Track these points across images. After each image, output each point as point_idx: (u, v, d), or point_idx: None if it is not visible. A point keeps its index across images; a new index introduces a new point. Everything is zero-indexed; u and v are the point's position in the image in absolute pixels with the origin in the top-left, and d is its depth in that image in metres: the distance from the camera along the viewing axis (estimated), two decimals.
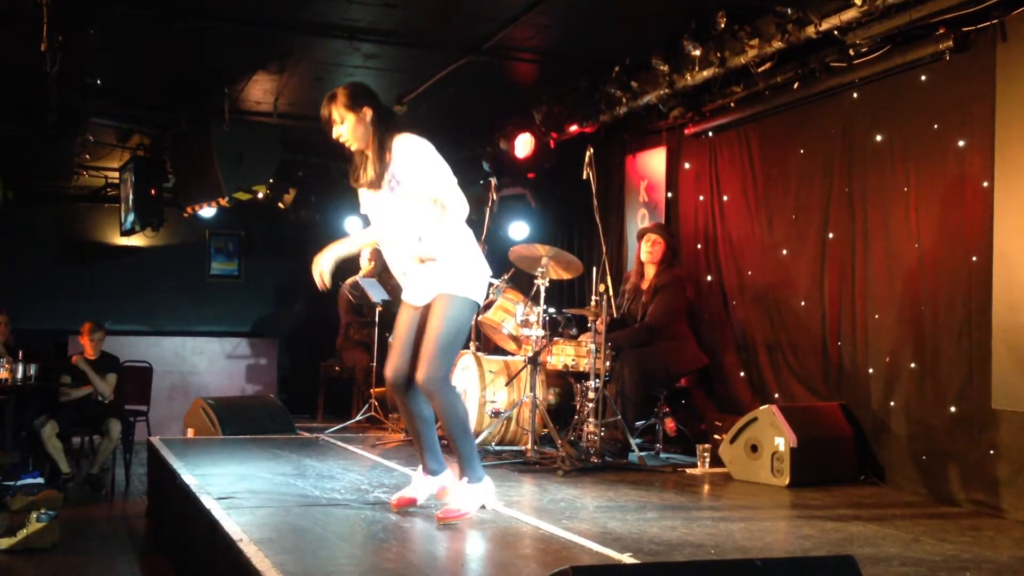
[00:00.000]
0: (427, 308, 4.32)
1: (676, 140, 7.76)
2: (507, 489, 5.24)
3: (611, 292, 6.89)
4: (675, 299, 6.77)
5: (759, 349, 6.86)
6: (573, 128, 7.94)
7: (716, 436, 6.73)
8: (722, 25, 6.09)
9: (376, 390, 8.17)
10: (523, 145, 8.12)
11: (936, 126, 5.54)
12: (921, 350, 5.59)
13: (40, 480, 6.60)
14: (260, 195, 9.39)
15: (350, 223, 9.76)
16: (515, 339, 6.63)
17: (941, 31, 5.32)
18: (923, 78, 5.62)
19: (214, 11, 6.49)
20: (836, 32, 5.62)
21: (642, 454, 6.39)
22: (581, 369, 6.47)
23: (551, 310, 6.50)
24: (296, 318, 12.17)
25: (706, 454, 6.25)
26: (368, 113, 4.25)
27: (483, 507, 4.46)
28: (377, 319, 8.36)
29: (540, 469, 5.91)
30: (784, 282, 6.67)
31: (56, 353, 9.55)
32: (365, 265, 9.15)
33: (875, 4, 5.20)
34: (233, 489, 4.90)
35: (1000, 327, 5.07)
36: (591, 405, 6.17)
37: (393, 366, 4.38)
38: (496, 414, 6.54)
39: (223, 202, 8.66)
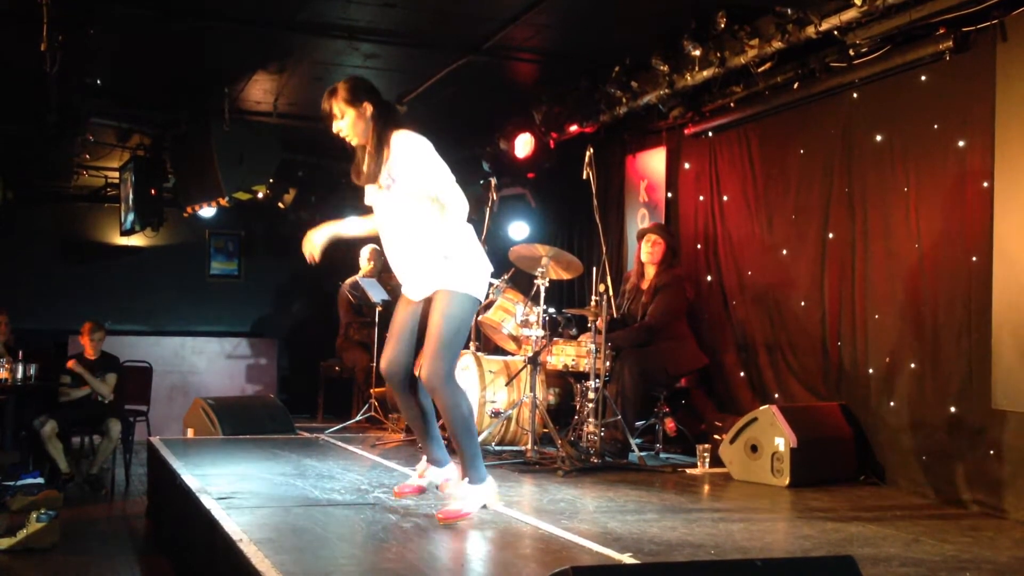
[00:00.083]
0: (427, 303, 4.31)
1: (676, 140, 7.76)
2: (507, 489, 5.23)
3: (611, 292, 6.89)
4: (675, 299, 6.77)
5: (759, 349, 6.86)
6: (573, 128, 7.94)
7: (716, 436, 6.73)
8: (722, 25, 6.09)
9: (376, 390, 8.17)
10: (523, 145, 8.13)
11: (936, 126, 5.54)
12: (921, 350, 5.59)
13: (40, 480, 6.60)
14: (260, 195, 9.39)
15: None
16: (515, 339, 6.63)
17: (941, 31, 5.32)
18: (923, 78, 5.61)
19: (214, 11, 6.50)
20: (836, 32, 5.62)
21: (642, 454, 6.39)
22: (581, 369, 6.47)
23: (551, 310, 6.50)
24: (296, 318, 12.17)
25: (706, 454, 6.25)
26: (368, 108, 4.24)
27: (484, 507, 4.45)
28: (377, 319, 8.35)
29: (540, 469, 5.91)
30: (784, 282, 6.67)
31: (56, 353, 9.55)
32: (365, 265, 9.14)
33: (875, 4, 5.20)
34: (233, 489, 4.90)
35: (1000, 327, 5.07)
36: (591, 405, 6.17)
37: (388, 358, 4.37)
38: (496, 414, 6.54)
39: (223, 202, 8.66)
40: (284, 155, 9.12)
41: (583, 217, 8.35)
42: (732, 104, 6.95)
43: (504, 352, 7.18)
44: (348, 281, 9.26)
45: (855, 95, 6.11)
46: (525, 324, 6.35)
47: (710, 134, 7.37)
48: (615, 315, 6.78)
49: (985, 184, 5.20)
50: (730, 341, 7.11)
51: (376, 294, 8.30)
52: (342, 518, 4.39)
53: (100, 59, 7.32)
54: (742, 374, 6.99)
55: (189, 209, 9.35)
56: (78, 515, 6.77)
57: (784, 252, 6.69)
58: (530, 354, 6.22)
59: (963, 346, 5.31)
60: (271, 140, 8.73)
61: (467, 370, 6.80)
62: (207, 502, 4.51)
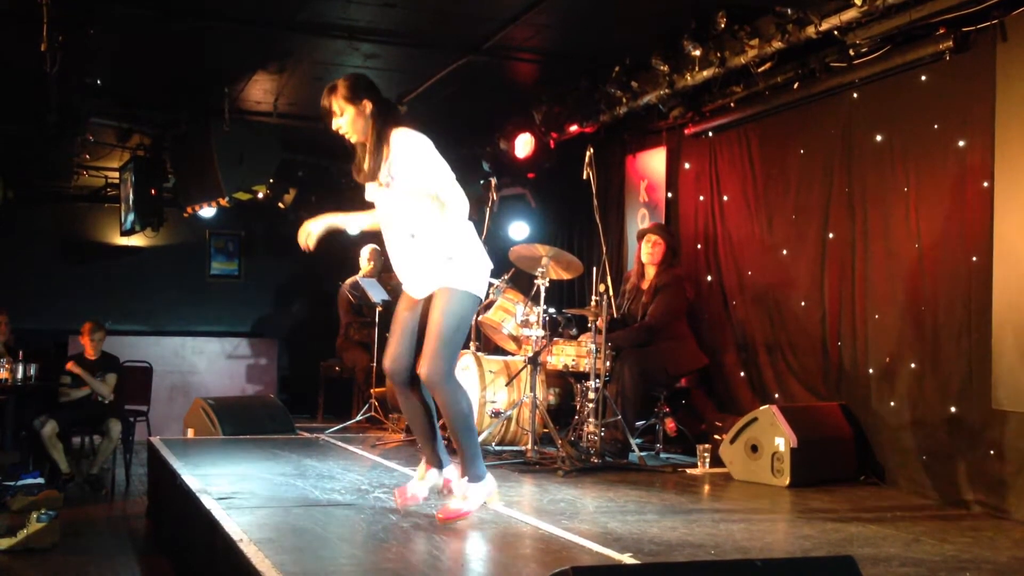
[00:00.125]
0: (427, 301, 4.30)
1: (676, 140, 7.76)
2: (507, 489, 5.23)
3: (611, 292, 6.89)
4: (675, 299, 6.77)
5: (759, 349, 6.86)
6: (573, 128, 7.94)
7: (716, 436, 6.73)
8: (722, 25, 6.09)
9: (376, 390, 8.17)
10: (523, 145, 8.13)
11: (936, 126, 5.54)
12: (921, 350, 5.59)
13: (40, 480, 6.60)
14: (260, 195, 9.40)
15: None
16: (515, 339, 6.63)
17: (941, 31, 5.32)
18: (923, 78, 5.61)
19: (214, 11, 6.49)
20: (836, 32, 5.62)
21: (642, 454, 6.39)
22: (581, 369, 6.47)
23: (551, 310, 6.50)
24: (296, 318, 12.18)
25: (706, 454, 6.25)
26: (368, 106, 4.23)
27: (484, 505, 4.44)
28: (377, 319, 8.36)
29: (540, 469, 5.91)
30: (784, 282, 6.67)
31: (56, 353, 9.55)
32: (365, 265, 9.15)
33: (875, 4, 5.20)
34: (233, 489, 4.90)
35: (1000, 327, 5.07)
36: (591, 405, 6.17)
37: (390, 356, 4.36)
38: (496, 414, 6.54)
39: (223, 202, 8.66)
40: (284, 155, 9.12)
41: (583, 217, 8.34)
42: (732, 104, 6.95)
43: (504, 352, 7.18)
44: (348, 281, 9.26)
45: (855, 95, 6.11)
46: (525, 324, 6.35)
47: (710, 134, 7.37)
48: (615, 315, 6.78)
49: (985, 184, 5.20)
50: (730, 341, 7.11)
51: (376, 294, 8.30)
52: (342, 518, 4.39)
53: (100, 59, 7.32)
54: (742, 374, 6.99)
55: (189, 209, 9.35)
56: (78, 515, 6.77)
57: (784, 252, 6.69)
58: (530, 354, 6.22)
59: (963, 346, 5.31)
60: (271, 140, 8.73)
61: (467, 370, 6.80)
62: (207, 502, 4.51)
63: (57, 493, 6.29)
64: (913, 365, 5.63)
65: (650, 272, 6.92)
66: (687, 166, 7.67)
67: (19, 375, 7.41)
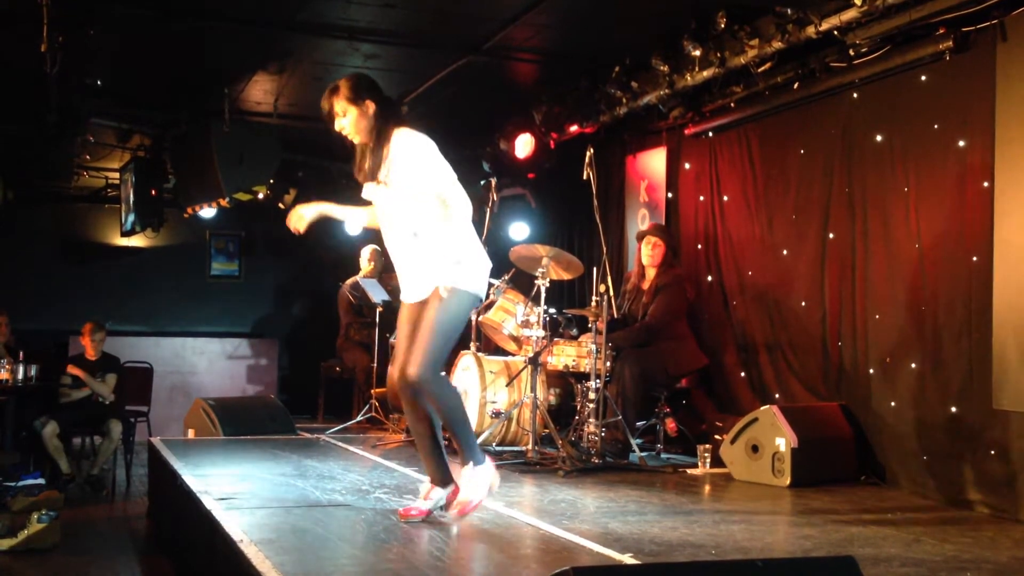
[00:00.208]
0: (424, 304, 4.29)
1: (676, 140, 7.76)
2: (508, 489, 5.23)
3: (611, 292, 6.90)
4: (675, 299, 6.77)
5: (759, 349, 6.86)
6: (573, 128, 7.94)
7: (717, 436, 6.73)
8: (722, 25, 6.09)
9: (377, 391, 8.17)
10: (523, 145, 8.12)
11: (936, 126, 5.54)
12: (921, 350, 5.59)
13: (41, 481, 6.60)
14: (260, 195, 9.40)
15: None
16: (515, 339, 6.64)
17: (941, 31, 5.32)
18: (923, 78, 5.61)
19: (214, 11, 6.49)
20: (836, 32, 5.62)
21: (643, 454, 6.39)
22: (582, 369, 6.47)
23: (551, 310, 6.50)
24: (296, 318, 12.17)
25: (707, 454, 6.25)
26: (371, 106, 4.21)
27: (491, 488, 4.40)
28: (377, 319, 8.36)
29: (541, 470, 5.91)
30: (784, 282, 6.67)
31: (56, 354, 9.55)
32: (365, 266, 9.15)
33: (875, 4, 5.20)
34: (233, 490, 4.90)
35: (1001, 327, 5.06)
36: (592, 405, 6.17)
37: (398, 367, 4.34)
38: (497, 414, 6.54)
39: (223, 202, 8.66)
40: (284, 155, 9.11)
41: (583, 217, 8.35)
42: (732, 104, 6.95)
43: (505, 352, 7.18)
44: (348, 281, 9.26)
45: (855, 95, 6.11)
46: (526, 324, 6.35)
47: (710, 134, 7.37)
48: (615, 315, 6.79)
49: (985, 184, 5.20)
50: (730, 341, 7.11)
51: (376, 294, 8.30)
52: (343, 519, 4.39)
53: (100, 59, 7.31)
54: (742, 374, 6.99)
55: (189, 210, 9.35)
56: (79, 516, 6.77)
57: (784, 252, 6.69)
58: (531, 354, 6.22)
59: (964, 346, 5.31)
60: (271, 140, 8.72)
61: (467, 370, 6.80)
62: (208, 503, 4.51)
63: (58, 494, 6.29)
64: (913, 365, 5.63)
65: (650, 273, 6.92)
66: (687, 166, 7.67)
67: (19, 376, 7.41)
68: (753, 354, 6.91)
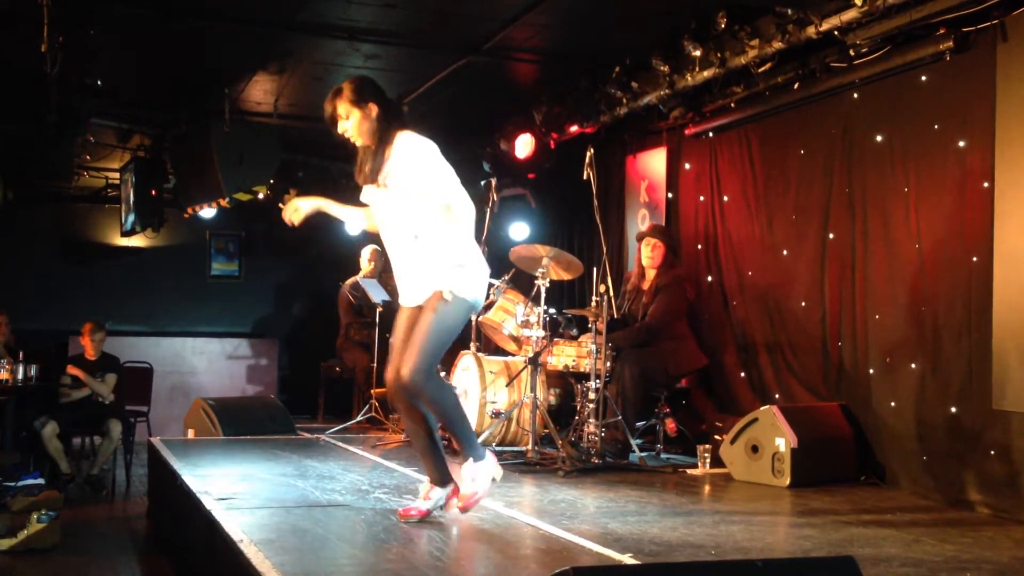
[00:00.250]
0: (421, 308, 4.28)
1: (676, 140, 7.76)
2: (508, 489, 5.24)
3: (611, 292, 6.90)
4: (675, 299, 6.77)
5: (759, 349, 6.86)
6: (573, 128, 7.94)
7: (717, 437, 6.73)
8: (722, 25, 6.09)
9: (377, 391, 8.17)
10: (523, 145, 8.12)
11: (936, 126, 5.54)
12: (921, 350, 5.59)
13: (41, 481, 6.59)
14: (260, 195, 9.40)
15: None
16: (515, 340, 6.64)
17: (941, 31, 5.32)
18: (923, 78, 5.61)
19: (214, 11, 6.49)
20: (836, 32, 5.62)
21: (643, 455, 6.39)
22: (581, 370, 6.47)
23: (551, 311, 6.50)
24: (296, 318, 12.18)
25: (707, 455, 6.25)
26: (374, 109, 4.20)
27: (494, 481, 4.41)
28: (377, 319, 8.36)
29: (541, 470, 5.91)
30: (784, 282, 6.67)
31: (56, 354, 9.55)
32: (365, 266, 9.15)
33: (875, 4, 5.20)
34: (233, 490, 4.90)
35: (1001, 327, 5.07)
36: (591, 406, 6.17)
37: (393, 369, 4.34)
38: (497, 415, 6.54)
39: (223, 203, 8.66)
40: (284, 155, 9.11)
41: (583, 217, 8.35)
42: (732, 104, 6.95)
43: (505, 353, 7.18)
44: (348, 281, 9.26)
45: (855, 95, 6.11)
46: (526, 325, 6.35)
47: (710, 134, 7.37)
48: (615, 315, 6.79)
49: (985, 184, 5.20)
50: (730, 341, 7.11)
51: (377, 294, 8.30)
52: (343, 519, 4.39)
53: (100, 59, 7.31)
54: (742, 374, 6.99)
55: (189, 210, 9.35)
56: (79, 516, 6.77)
57: (784, 252, 6.69)
58: (531, 355, 6.22)
59: (963, 346, 5.31)
60: (271, 140, 8.72)
61: (468, 371, 6.80)
62: (207, 503, 4.51)
63: (57, 494, 6.29)
64: (913, 365, 5.63)
65: (650, 274, 6.92)
66: (687, 166, 7.67)
67: (19, 376, 7.41)
68: (753, 354, 6.91)
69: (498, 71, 7.55)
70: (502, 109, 8.22)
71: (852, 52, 5.80)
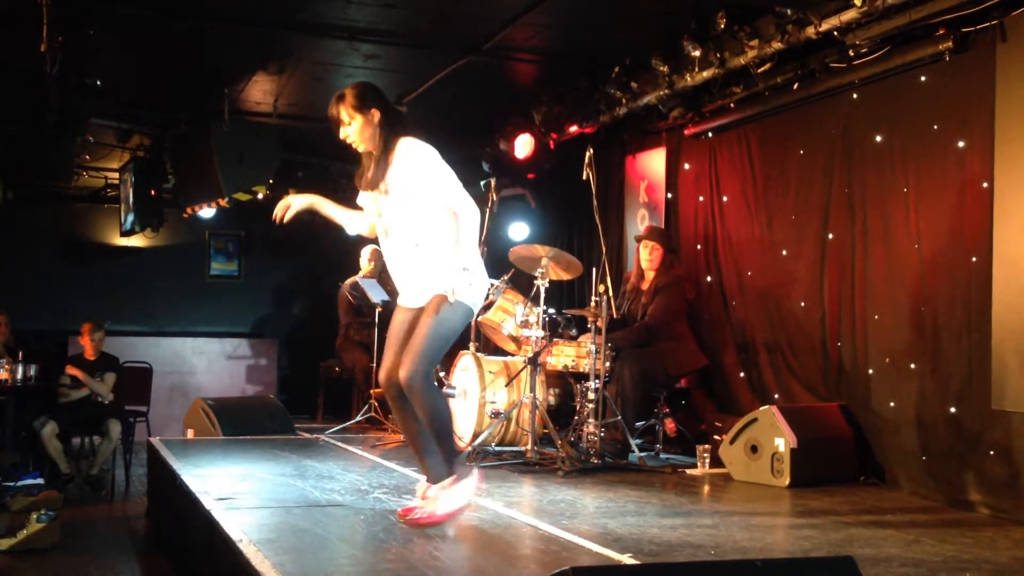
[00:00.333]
0: (421, 310, 4.28)
1: (676, 141, 7.76)
2: (507, 489, 5.24)
3: (611, 293, 6.90)
4: (675, 299, 6.77)
5: (759, 349, 6.86)
6: (573, 128, 7.94)
7: (716, 437, 6.73)
8: (722, 25, 6.09)
9: (376, 391, 8.17)
10: (523, 145, 8.12)
11: (936, 127, 5.54)
12: (921, 351, 5.59)
13: (40, 481, 6.59)
14: (260, 195, 9.40)
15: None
16: (515, 340, 6.63)
17: (941, 32, 5.32)
18: (923, 79, 5.61)
19: (214, 11, 6.49)
20: (836, 33, 5.62)
21: (642, 455, 6.39)
22: (581, 370, 6.47)
23: (551, 311, 6.50)
24: (296, 318, 12.18)
25: (706, 455, 6.25)
26: (376, 115, 4.20)
27: (467, 505, 4.29)
28: (377, 320, 8.36)
29: (540, 470, 5.91)
30: (784, 282, 6.67)
31: (56, 353, 9.55)
32: (365, 266, 9.15)
33: (875, 5, 5.20)
34: (233, 490, 4.90)
35: (1000, 328, 5.07)
36: (591, 406, 6.17)
37: (387, 368, 4.32)
38: (496, 415, 6.53)
39: (223, 203, 8.66)
40: (284, 155, 9.11)
41: (583, 218, 8.34)
42: (732, 105, 6.95)
43: (504, 353, 7.18)
44: (348, 281, 9.26)
45: (855, 95, 6.11)
46: (525, 325, 6.35)
47: (710, 134, 7.37)
48: (615, 315, 6.79)
49: (985, 185, 5.20)
50: (730, 341, 7.11)
51: (376, 294, 8.30)
52: (342, 519, 4.39)
53: (100, 59, 7.31)
54: (742, 374, 6.99)
55: (189, 210, 9.35)
56: (78, 516, 6.77)
57: (784, 252, 6.69)
58: (530, 355, 6.22)
59: (963, 347, 5.31)
60: (271, 140, 8.72)
61: (467, 371, 6.80)
62: (207, 503, 4.51)
63: (57, 494, 6.28)
64: (913, 365, 5.63)
65: (650, 275, 6.92)
66: (687, 166, 7.67)
67: (19, 375, 7.41)
68: (753, 354, 6.91)
69: (498, 71, 7.55)
70: (502, 109, 8.22)
71: (852, 52, 5.81)
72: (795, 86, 6.39)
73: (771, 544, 4.28)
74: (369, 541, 3.99)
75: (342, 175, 9.58)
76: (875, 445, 5.89)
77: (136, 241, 11.18)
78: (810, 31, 5.68)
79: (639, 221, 8.11)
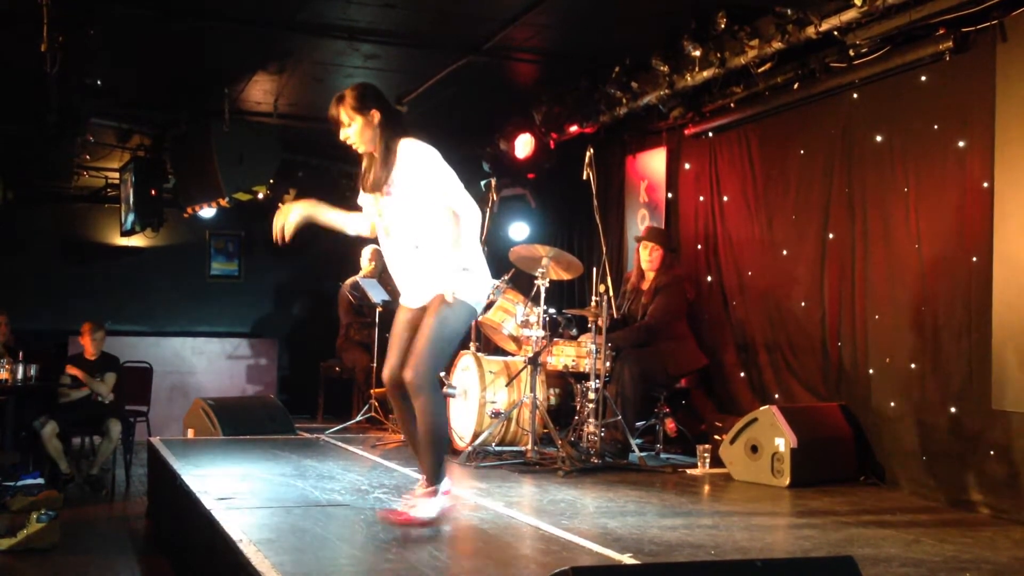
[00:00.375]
0: (424, 310, 4.29)
1: (676, 140, 7.76)
2: (507, 489, 5.24)
3: (611, 293, 6.90)
4: (675, 299, 6.77)
5: (759, 349, 6.86)
6: (573, 128, 7.94)
7: (716, 437, 6.73)
8: (722, 25, 6.09)
9: (376, 391, 8.17)
10: (523, 145, 8.13)
11: (936, 126, 5.54)
12: (921, 350, 5.59)
13: (40, 480, 6.60)
14: (260, 195, 9.40)
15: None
16: (515, 340, 6.63)
17: (941, 31, 5.32)
18: (923, 78, 5.61)
19: (214, 11, 6.49)
20: (836, 33, 5.62)
21: (642, 455, 6.39)
22: (581, 370, 6.47)
23: (551, 311, 6.50)
24: (296, 318, 12.18)
25: (706, 455, 6.25)
26: (376, 116, 4.21)
27: (436, 519, 4.28)
28: (377, 319, 8.36)
29: (540, 470, 5.91)
30: (784, 282, 6.67)
31: (56, 353, 9.55)
32: (365, 266, 9.15)
33: (875, 4, 5.20)
34: (233, 490, 4.90)
35: (1000, 328, 5.07)
36: (591, 406, 6.17)
37: (390, 367, 4.33)
38: (496, 415, 6.53)
39: (223, 202, 8.66)
40: (284, 155, 9.12)
41: (583, 217, 8.35)
42: (732, 104, 6.95)
43: (504, 352, 7.18)
44: (348, 281, 9.26)
45: (855, 95, 6.11)
46: (525, 324, 6.35)
47: (710, 134, 7.37)
48: (615, 315, 6.79)
49: (985, 185, 5.20)
50: (730, 341, 7.11)
51: (376, 294, 8.30)
52: (342, 519, 4.39)
53: (100, 59, 7.31)
54: (742, 374, 6.99)
55: (189, 210, 9.35)
56: (78, 515, 6.77)
57: (784, 252, 6.69)
58: (530, 354, 6.22)
59: (963, 346, 5.31)
60: (271, 140, 8.72)
61: (467, 370, 6.80)
62: (207, 502, 4.51)
63: (57, 493, 6.29)
64: (913, 365, 5.63)
65: (650, 275, 6.92)
66: (687, 166, 7.67)
67: (19, 375, 7.41)
68: (753, 354, 6.91)
69: (498, 71, 7.55)
70: (502, 109, 8.22)
71: (852, 52, 5.80)
72: (795, 86, 6.39)
73: (771, 544, 4.28)
74: (369, 541, 3.99)
75: (342, 175, 9.59)
76: (875, 445, 5.89)
77: (136, 241, 11.18)
78: (810, 31, 5.68)
79: (639, 221, 8.11)
